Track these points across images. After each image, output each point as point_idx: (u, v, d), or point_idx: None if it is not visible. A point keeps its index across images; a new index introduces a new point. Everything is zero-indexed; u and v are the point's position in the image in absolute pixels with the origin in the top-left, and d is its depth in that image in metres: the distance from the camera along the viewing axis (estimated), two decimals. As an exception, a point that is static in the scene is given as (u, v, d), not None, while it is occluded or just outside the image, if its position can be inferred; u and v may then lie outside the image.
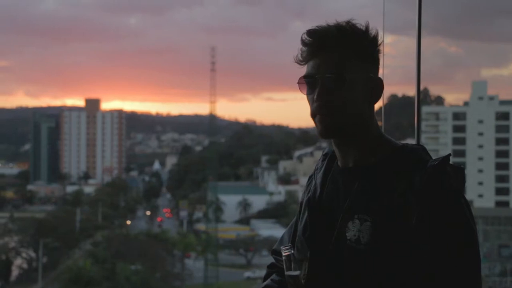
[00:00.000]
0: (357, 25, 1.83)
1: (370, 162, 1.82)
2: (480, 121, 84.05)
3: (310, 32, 1.84)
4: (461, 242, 1.70)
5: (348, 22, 1.83)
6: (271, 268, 2.11)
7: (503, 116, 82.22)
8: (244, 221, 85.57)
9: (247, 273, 59.00)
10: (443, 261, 1.69)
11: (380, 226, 1.74)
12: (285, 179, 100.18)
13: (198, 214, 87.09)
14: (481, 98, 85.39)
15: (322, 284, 1.83)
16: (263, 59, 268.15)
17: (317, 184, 1.94)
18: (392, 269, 1.72)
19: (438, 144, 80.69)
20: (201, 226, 78.13)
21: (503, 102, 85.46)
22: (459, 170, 1.78)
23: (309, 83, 1.84)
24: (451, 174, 1.75)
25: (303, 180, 74.22)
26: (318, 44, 1.83)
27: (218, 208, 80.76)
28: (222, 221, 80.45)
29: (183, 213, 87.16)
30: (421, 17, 2.33)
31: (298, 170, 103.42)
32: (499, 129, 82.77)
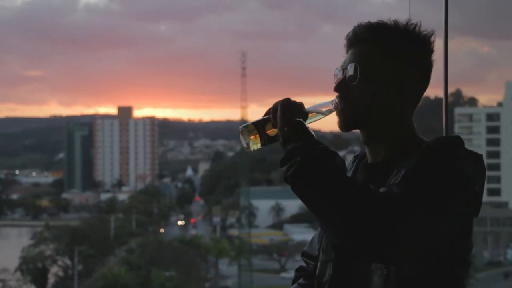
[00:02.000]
0: (410, 25, 1.81)
1: (395, 158, 1.79)
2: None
3: (353, 27, 1.86)
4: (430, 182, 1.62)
5: (396, 21, 1.82)
6: (299, 272, 2.08)
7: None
8: (277, 225, 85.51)
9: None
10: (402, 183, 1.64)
11: None
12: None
13: (231, 219, 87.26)
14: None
15: (346, 285, 1.81)
16: (293, 64, 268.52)
17: None
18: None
19: (472, 146, 79.80)
20: (234, 232, 78.26)
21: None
22: (474, 155, 1.71)
23: (337, 75, 1.86)
24: (460, 156, 1.69)
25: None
26: (349, 38, 1.85)
27: (251, 213, 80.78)
28: (255, 226, 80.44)
29: (216, 219, 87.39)
30: (448, 18, 2.30)
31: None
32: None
